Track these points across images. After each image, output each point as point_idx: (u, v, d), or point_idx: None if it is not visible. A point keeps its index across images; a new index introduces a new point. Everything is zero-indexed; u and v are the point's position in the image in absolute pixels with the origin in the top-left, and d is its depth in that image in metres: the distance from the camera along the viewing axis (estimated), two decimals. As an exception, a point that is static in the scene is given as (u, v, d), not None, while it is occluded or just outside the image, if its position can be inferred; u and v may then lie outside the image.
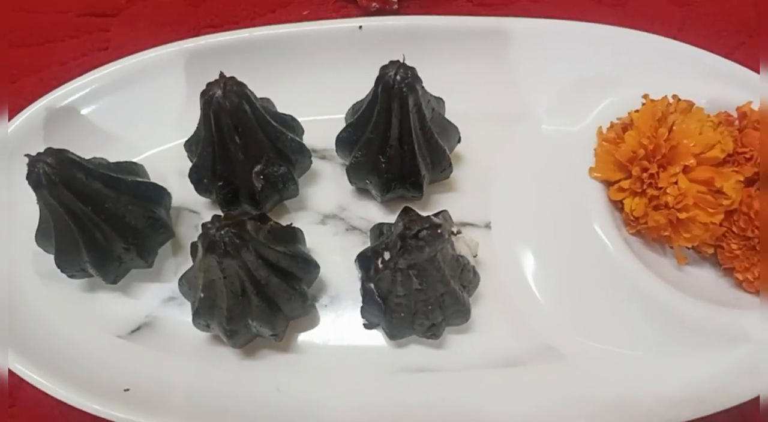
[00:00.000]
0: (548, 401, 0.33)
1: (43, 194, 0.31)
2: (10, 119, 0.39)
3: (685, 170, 0.33)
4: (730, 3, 0.47)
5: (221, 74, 0.33)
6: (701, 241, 0.35)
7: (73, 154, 0.32)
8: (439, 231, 0.29)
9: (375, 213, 0.39)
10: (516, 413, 0.33)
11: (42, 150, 0.37)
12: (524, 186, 0.39)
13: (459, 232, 0.34)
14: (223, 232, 0.28)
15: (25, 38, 0.46)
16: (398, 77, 0.32)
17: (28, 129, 0.38)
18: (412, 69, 0.33)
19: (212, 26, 0.46)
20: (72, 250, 0.33)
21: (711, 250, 0.36)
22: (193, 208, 0.39)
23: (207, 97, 0.32)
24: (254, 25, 0.46)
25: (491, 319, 0.35)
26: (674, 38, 0.45)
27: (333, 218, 0.39)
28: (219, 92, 0.32)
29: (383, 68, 0.33)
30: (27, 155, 0.31)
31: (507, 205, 0.38)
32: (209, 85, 0.32)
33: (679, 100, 0.36)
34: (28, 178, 0.30)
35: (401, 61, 0.33)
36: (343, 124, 0.38)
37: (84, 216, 0.32)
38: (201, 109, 0.33)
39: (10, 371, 0.33)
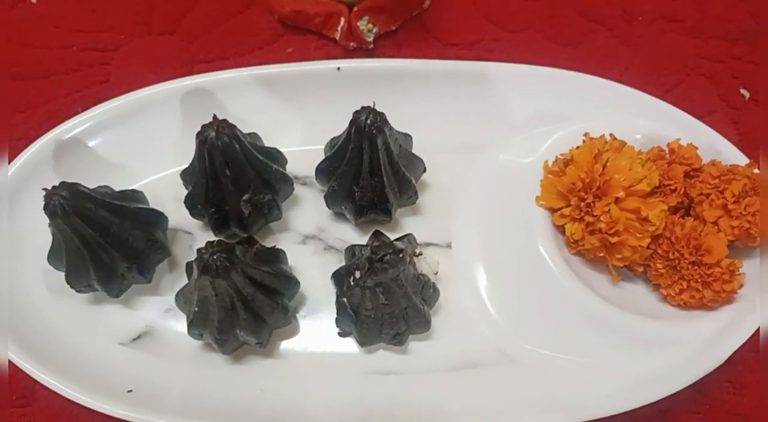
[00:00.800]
0: (499, 399, 0.38)
1: (57, 222, 0.35)
2: (19, 149, 0.43)
3: (617, 201, 0.39)
4: (671, 44, 0.52)
5: (214, 117, 0.38)
6: (632, 261, 0.40)
7: (83, 186, 0.37)
8: (401, 255, 0.34)
9: (350, 234, 0.44)
10: (472, 410, 0.38)
11: (52, 177, 0.42)
12: (481, 210, 0.44)
13: (421, 254, 0.39)
14: (215, 257, 0.33)
15: (33, 71, 0.50)
16: (368, 121, 0.37)
17: (39, 158, 0.43)
18: (381, 114, 0.38)
19: (205, 61, 0.51)
20: (81, 269, 0.38)
21: (641, 269, 0.41)
22: (188, 229, 0.43)
23: (202, 137, 0.37)
24: (243, 61, 0.51)
25: (450, 328, 0.40)
26: (622, 76, 0.50)
27: (312, 239, 0.44)
28: (213, 133, 0.37)
29: (356, 113, 0.38)
30: (44, 189, 0.35)
31: (466, 227, 0.43)
32: (204, 126, 0.37)
33: (614, 138, 0.41)
34: (45, 209, 0.35)
35: (372, 106, 0.38)
36: (322, 154, 0.43)
37: (92, 241, 0.37)
38: (196, 146, 0.38)
39: (25, 374, 0.38)
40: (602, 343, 0.39)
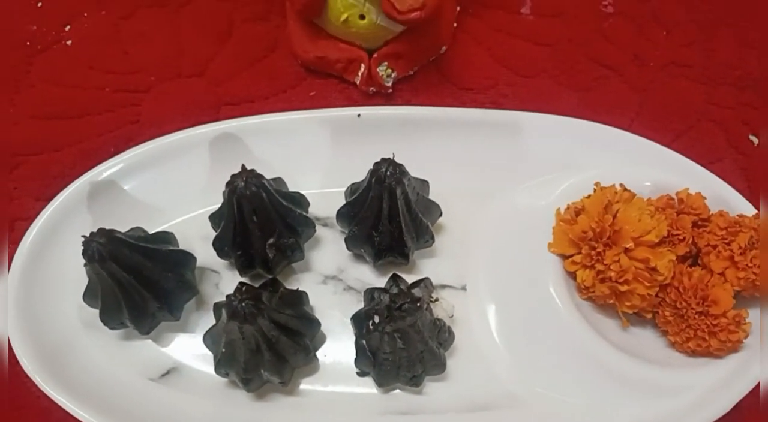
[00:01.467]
0: (510, 441, 0.40)
1: (94, 266, 0.37)
2: (55, 188, 0.45)
3: (626, 250, 0.40)
4: (681, 89, 0.54)
5: (243, 167, 0.40)
6: (641, 309, 0.41)
7: (119, 232, 0.39)
8: (418, 304, 0.36)
9: (368, 275, 0.45)
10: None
11: (86, 217, 0.45)
12: (495, 254, 0.46)
13: (437, 300, 0.40)
14: (244, 304, 0.35)
15: (67, 111, 0.52)
16: (388, 173, 0.39)
17: (75, 199, 0.45)
18: (400, 165, 0.40)
19: (231, 104, 0.53)
20: (115, 309, 0.40)
21: (650, 315, 0.42)
22: (215, 268, 0.45)
23: (231, 187, 0.39)
24: (268, 103, 0.53)
25: (464, 370, 0.42)
26: (632, 121, 0.52)
27: (333, 279, 0.45)
28: (241, 183, 0.39)
29: (376, 164, 0.40)
30: (83, 235, 0.37)
31: (480, 270, 0.45)
32: (233, 176, 0.39)
33: (624, 189, 0.43)
34: (83, 254, 0.37)
35: (392, 157, 0.40)
36: (342, 196, 0.45)
37: (126, 283, 0.39)
38: (226, 194, 0.40)
39: (58, 406, 0.40)
40: (610, 388, 0.40)
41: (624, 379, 0.40)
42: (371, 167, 0.41)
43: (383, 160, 0.40)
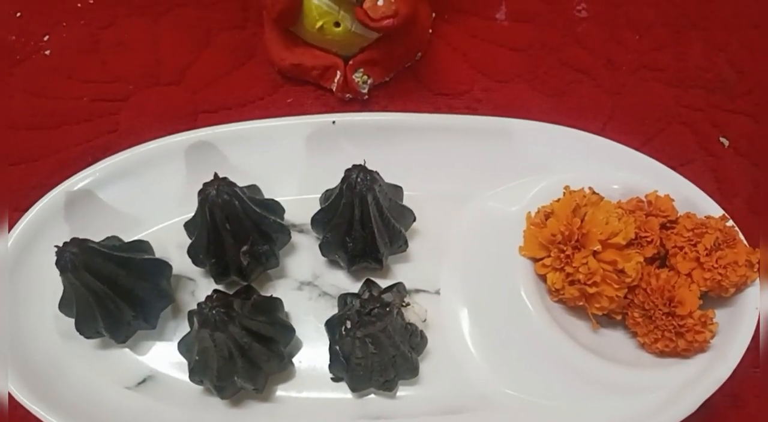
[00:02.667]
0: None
1: (68, 276, 0.38)
2: (33, 197, 0.46)
3: (594, 253, 0.41)
4: (653, 93, 0.54)
5: (215, 175, 0.40)
6: (610, 310, 0.42)
7: (92, 242, 0.39)
8: (388, 309, 0.37)
9: (343, 280, 0.46)
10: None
11: (63, 227, 0.45)
12: (468, 258, 0.46)
13: (408, 304, 0.41)
14: (214, 312, 0.35)
15: (45, 122, 0.53)
16: (359, 179, 0.40)
17: (51, 209, 0.45)
18: (371, 172, 0.40)
19: (208, 111, 0.53)
20: (90, 318, 0.40)
21: (620, 317, 0.43)
22: (190, 275, 0.46)
23: (203, 196, 0.39)
24: (245, 111, 0.53)
25: (437, 373, 0.42)
26: (605, 124, 0.53)
27: (308, 285, 0.46)
28: (213, 191, 0.39)
29: (348, 171, 0.40)
30: (56, 246, 0.38)
31: (453, 275, 0.46)
32: (205, 185, 0.40)
33: (593, 192, 0.43)
34: (56, 264, 0.37)
35: (363, 163, 0.41)
36: (317, 203, 0.45)
37: (101, 292, 0.39)
38: (198, 203, 0.40)
39: (34, 417, 0.40)
40: (581, 389, 0.41)
41: (595, 380, 0.41)
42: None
43: (354, 166, 0.40)
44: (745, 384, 0.43)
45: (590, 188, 0.44)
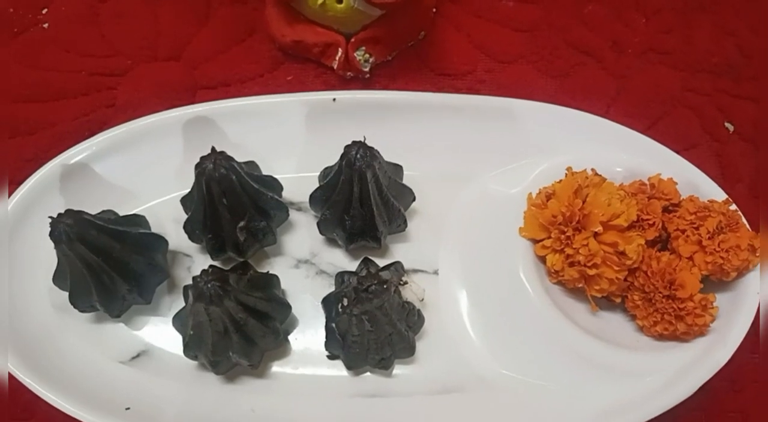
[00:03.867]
0: (478, 422, 0.40)
1: (62, 248, 0.37)
2: (29, 170, 0.45)
3: (595, 234, 0.40)
4: (659, 76, 0.54)
5: (213, 149, 0.40)
6: (610, 293, 0.42)
7: (87, 214, 0.39)
8: (385, 286, 0.36)
9: (341, 259, 0.45)
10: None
11: (58, 200, 0.44)
12: (468, 238, 0.46)
13: (405, 283, 0.41)
14: (209, 285, 0.35)
15: (42, 94, 0.52)
16: (359, 156, 0.39)
17: (47, 182, 0.44)
18: (371, 149, 0.40)
19: (207, 87, 0.52)
20: (84, 291, 0.40)
21: (620, 299, 0.42)
22: (187, 252, 0.45)
23: (200, 169, 0.39)
24: (244, 88, 0.53)
25: (433, 353, 0.42)
26: (609, 107, 0.52)
27: (305, 263, 0.45)
28: (210, 165, 0.38)
29: (347, 147, 0.40)
30: (50, 217, 0.37)
31: (452, 255, 0.45)
32: (202, 158, 0.39)
33: (595, 174, 0.43)
34: (50, 235, 0.37)
35: (363, 140, 0.40)
36: (316, 181, 0.45)
37: (95, 265, 0.39)
38: (195, 176, 0.40)
39: (27, 389, 0.40)
40: (579, 371, 0.41)
41: (593, 362, 0.41)
42: (343, 151, 0.41)
43: (354, 143, 0.40)
44: (743, 369, 0.43)
45: (593, 170, 0.43)
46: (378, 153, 0.41)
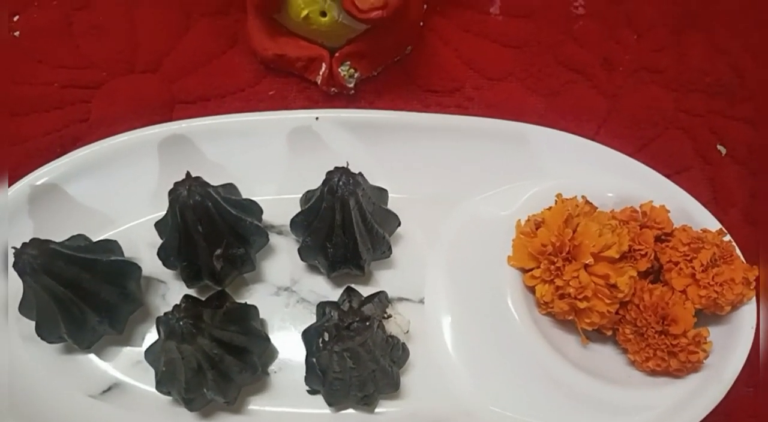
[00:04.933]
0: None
1: (27, 280, 0.35)
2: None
3: (586, 266, 0.39)
4: (651, 96, 0.52)
5: (187, 174, 0.38)
6: (600, 326, 0.40)
7: (54, 243, 0.37)
8: (367, 323, 0.35)
9: (323, 286, 0.44)
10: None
11: (26, 223, 0.42)
12: (454, 266, 0.44)
13: (390, 316, 0.39)
14: (181, 323, 0.33)
15: (12, 108, 0.49)
16: (341, 183, 0.37)
17: (14, 204, 0.42)
18: (354, 175, 0.38)
19: (186, 102, 0.50)
20: (51, 323, 0.38)
21: (610, 332, 0.41)
22: (162, 278, 0.43)
23: (174, 196, 0.37)
24: (224, 103, 0.50)
25: (419, 387, 0.41)
26: (600, 127, 0.51)
27: (286, 290, 0.44)
28: (184, 192, 0.37)
29: (329, 173, 0.38)
30: (13, 247, 0.35)
31: (439, 283, 0.44)
32: (176, 184, 0.37)
33: (586, 202, 0.41)
34: (14, 267, 0.35)
35: (346, 165, 0.38)
36: (298, 204, 0.43)
37: (63, 296, 0.37)
38: (169, 203, 0.38)
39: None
40: (568, 408, 0.39)
41: (582, 398, 0.39)
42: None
43: (336, 169, 0.38)
44: (738, 404, 0.42)
45: (583, 197, 0.42)
46: (362, 178, 0.39)
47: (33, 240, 0.36)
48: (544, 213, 0.41)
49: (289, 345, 0.42)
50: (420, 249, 0.45)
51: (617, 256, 0.39)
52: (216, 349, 0.35)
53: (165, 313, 0.34)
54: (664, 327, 0.38)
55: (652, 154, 0.49)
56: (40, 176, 0.43)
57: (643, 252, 0.40)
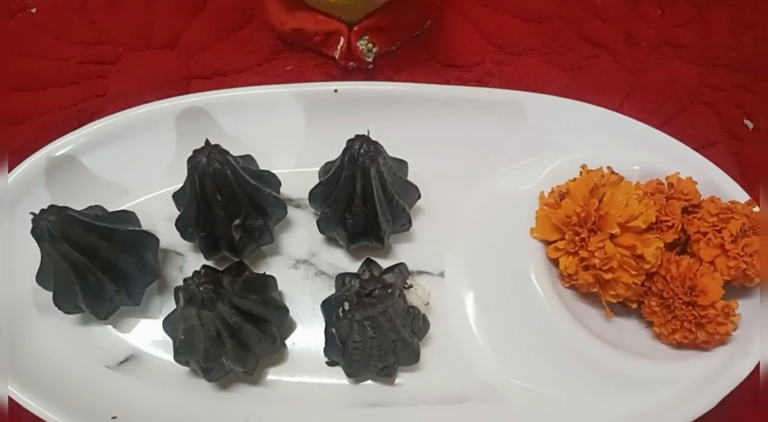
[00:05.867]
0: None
1: (44, 246, 0.35)
2: (14, 163, 0.43)
3: (612, 237, 0.38)
4: (675, 71, 0.51)
5: (207, 142, 0.37)
6: (625, 298, 0.39)
7: (72, 210, 0.36)
8: (389, 290, 0.34)
9: (342, 259, 0.43)
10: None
11: (43, 194, 0.42)
12: (475, 239, 0.43)
13: (411, 286, 0.38)
14: (201, 288, 0.33)
15: (30, 83, 0.49)
16: (362, 151, 0.37)
17: (31, 175, 0.42)
18: (375, 143, 0.37)
19: (202, 77, 0.50)
20: (69, 292, 0.37)
21: (635, 304, 0.40)
22: (179, 250, 0.43)
23: (193, 163, 0.36)
24: (241, 78, 0.50)
25: (439, 360, 0.40)
26: (623, 102, 0.50)
27: (304, 263, 0.43)
28: (204, 159, 0.36)
29: (350, 141, 0.37)
30: (32, 213, 0.35)
31: (459, 256, 0.43)
32: (195, 152, 0.37)
33: (612, 172, 0.40)
34: (32, 233, 0.35)
35: (367, 134, 0.38)
36: (316, 177, 0.43)
37: (81, 264, 0.36)
38: (188, 171, 0.37)
39: (9, 397, 0.37)
40: (592, 381, 0.38)
41: (606, 371, 0.38)
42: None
43: (357, 136, 0.37)
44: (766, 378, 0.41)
45: (609, 168, 0.41)
46: (382, 147, 0.39)
47: (51, 206, 0.36)
48: (568, 184, 0.40)
49: (307, 318, 0.41)
50: (440, 222, 0.44)
51: (644, 226, 0.38)
52: (235, 317, 0.35)
53: (185, 279, 0.33)
54: (692, 298, 0.37)
55: (677, 129, 0.48)
56: (57, 148, 0.43)
57: (669, 224, 0.39)
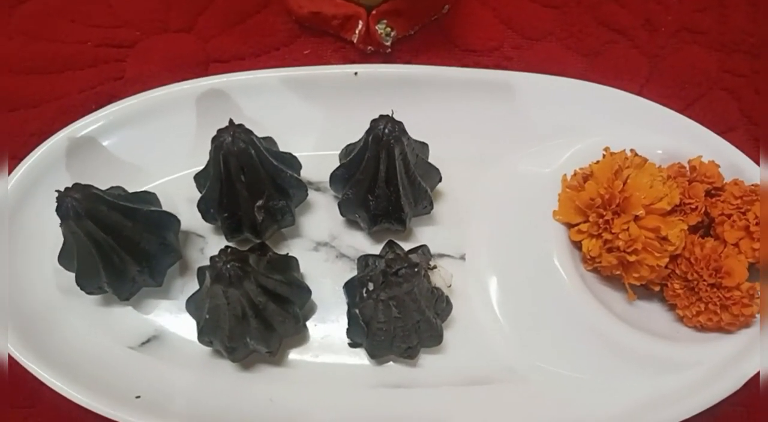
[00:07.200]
0: (507, 418, 0.38)
1: (69, 224, 0.35)
2: (33, 145, 0.43)
3: (636, 218, 0.38)
4: (693, 56, 0.51)
5: (231, 121, 0.37)
6: (649, 281, 0.39)
7: (96, 188, 0.36)
8: (416, 269, 0.34)
9: (363, 242, 0.43)
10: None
11: (64, 175, 0.42)
12: (497, 222, 0.43)
13: (434, 267, 0.38)
14: (229, 266, 0.33)
15: (47, 66, 0.49)
16: (386, 130, 0.37)
17: (52, 156, 0.42)
18: (399, 123, 0.37)
19: (220, 61, 0.50)
20: (92, 272, 0.37)
21: (658, 287, 0.40)
22: (200, 232, 0.43)
23: (218, 143, 0.36)
24: (259, 62, 0.50)
25: (461, 342, 0.40)
26: (642, 87, 0.50)
27: (325, 246, 0.43)
28: (229, 138, 0.36)
29: (374, 121, 0.37)
30: (57, 190, 0.35)
31: (480, 239, 0.43)
32: (220, 131, 0.37)
33: (636, 155, 0.40)
34: (57, 211, 0.35)
35: (390, 114, 0.38)
36: (336, 160, 0.42)
37: (104, 243, 0.36)
38: (212, 151, 0.37)
39: (31, 374, 0.37)
40: (615, 363, 0.38)
41: (629, 353, 0.38)
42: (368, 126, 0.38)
43: (381, 117, 0.37)
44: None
45: (632, 150, 0.41)
46: (405, 128, 0.38)
47: (76, 184, 0.35)
48: (592, 166, 0.40)
49: (328, 300, 0.41)
50: (461, 205, 0.44)
51: (669, 208, 0.38)
52: (260, 296, 0.35)
53: (212, 257, 0.33)
54: (716, 280, 0.37)
55: (696, 115, 0.48)
56: (78, 129, 0.43)
57: (693, 206, 0.39)
